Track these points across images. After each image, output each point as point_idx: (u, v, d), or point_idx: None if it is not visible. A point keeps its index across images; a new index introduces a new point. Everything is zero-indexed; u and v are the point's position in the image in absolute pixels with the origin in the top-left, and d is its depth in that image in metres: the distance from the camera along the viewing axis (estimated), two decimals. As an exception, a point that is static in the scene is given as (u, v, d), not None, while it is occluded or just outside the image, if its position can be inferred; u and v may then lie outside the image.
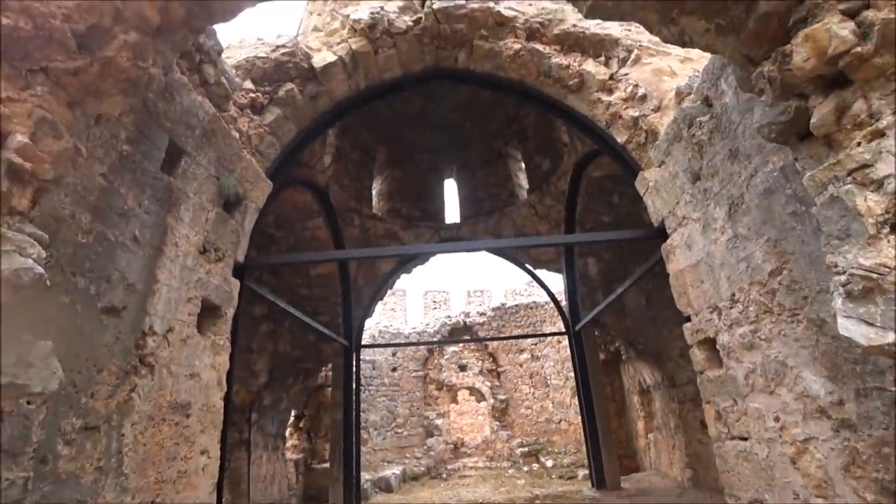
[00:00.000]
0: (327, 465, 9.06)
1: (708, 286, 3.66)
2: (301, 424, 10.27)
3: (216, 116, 3.84)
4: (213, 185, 3.90)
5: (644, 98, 4.38)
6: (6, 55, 1.59)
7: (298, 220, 7.85)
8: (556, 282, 11.50)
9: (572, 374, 9.92)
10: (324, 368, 9.38)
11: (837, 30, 1.55)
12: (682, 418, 8.12)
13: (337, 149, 8.70)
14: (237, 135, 4.31)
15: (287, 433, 9.60)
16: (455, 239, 10.08)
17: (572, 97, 4.99)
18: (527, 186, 10.00)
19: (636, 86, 4.43)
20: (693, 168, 3.66)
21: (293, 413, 9.82)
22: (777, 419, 2.94)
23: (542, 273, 10.30)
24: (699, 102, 3.45)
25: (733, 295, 3.32)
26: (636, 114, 4.41)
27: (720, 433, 3.60)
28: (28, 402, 2.05)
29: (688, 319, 4.02)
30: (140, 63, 1.91)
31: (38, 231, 1.57)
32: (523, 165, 10.22)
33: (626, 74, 4.57)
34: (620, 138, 4.65)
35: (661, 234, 4.38)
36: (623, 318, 8.75)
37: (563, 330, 10.14)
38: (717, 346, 3.58)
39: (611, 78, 4.67)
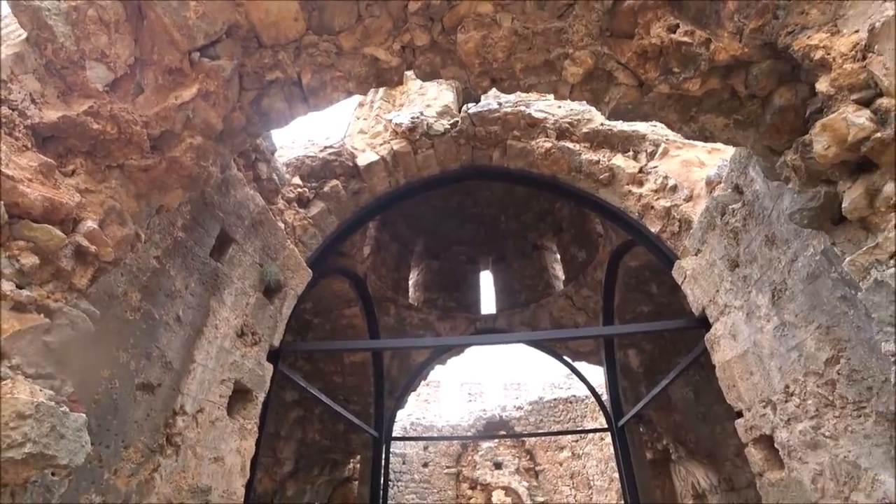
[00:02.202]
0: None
1: (758, 378, 3.41)
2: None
3: (265, 209, 4.15)
4: (256, 271, 4.10)
5: (674, 188, 4.45)
6: (91, 154, 1.83)
7: (336, 307, 8.01)
8: (596, 374, 10.95)
9: (617, 475, 9.05)
10: (352, 460, 8.96)
11: (854, 118, 1.59)
12: None
13: (376, 240, 9.07)
14: (283, 225, 4.61)
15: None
16: (491, 330, 9.95)
17: (604, 190, 5.13)
18: (563, 277, 9.96)
19: (665, 177, 4.53)
20: (730, 255, 3.59)
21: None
22: (857, 533, 2.55)
23: (581, 365, 9.88)
24: (730, 190, 3.47)
25: (787, 387, 3.07)
26: (668, 204, 4.46)
27: (791, 552, 3.13)
28: (52, 474, 2.06)
29: (739, 415, 3.71)
30: (202, 162, 2.15)
31: (91, 308, 1.69)
32: (559, 256, 10.27)
33: (654, 167, 4.70)
34: (654, 228, 4.66)
35: (703, 323, 4.20)
36: (670, 413, 8.11)
37: (605, 426, 9.45)
38: (776, 445, 3.24)
39: (640, 171, 4.81)
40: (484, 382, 21.31)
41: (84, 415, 1.39)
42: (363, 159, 5.29)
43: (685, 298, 4.56)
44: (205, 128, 2.07)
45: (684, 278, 4.35)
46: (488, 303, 10.84)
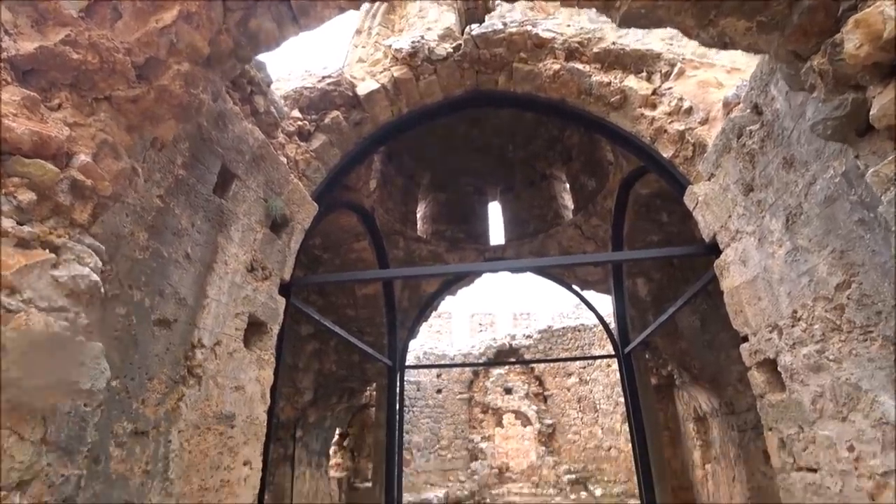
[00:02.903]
0: (370, 484, 9.02)
1: (766, 303, 3.42)
2: (345, 443, 10.33)
3: (265, 143, 4.05)
4: (261, 206, 4.09)
5: (689, 111, 4.24)
6: (76, 87, 1.75)
7: (345, 242, 8.06)
8: (604, 304, 11.16)
9: (622, 400, 9.49)
10: (368, 388, 9.45)
11: (892, 11, 1.45)
12: (742, 448, 7.53)
13: (382, 174, 8.95)
14: (285, 160, 4.52)
15: (331, 451, 9.67)
16: (499, 260, 10.02)
17: (615, 114, 4.91)
18: (572, 207, 9.86)
19: (681, 99, 4.31)
20: (745, 179, 3.48)
21: (337, 431, 9.90)
22: (851, 448, 2.66)
23: (589, 295, 10.03)
24: (748, 111, 3.30)
25: (795, 312, 3.08)
26: (682, 127, 4.28)
27: (785, 463, 3.30)
28: (84, 405, 2.18)
29: (745, 340, 3.77)
30: (192, 90, 2.06)
31: (97, 243, 1.69)
32: (568, 186, 10.10)
33: (669, 89, 4.46)
34: (666, 153, 4.51)
35: (714, 250, 4.16)
36: (676, 340, 8.31)
37: (613, 353, 9.76)
38: (779, 368, 3.31)
39: (654, 93, 4.57)
40: (494, 313, 21.84)
41: (100, 344, 1.44)
42: (363, 88, 5.08)
43: (696, 226, 4.50)
44: (191, 52, 1.96)
45: (696, 204, 4.26)
46: (497, 234, 10.85)
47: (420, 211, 10.61)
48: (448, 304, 12.37)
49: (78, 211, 1.58)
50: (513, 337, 16.75)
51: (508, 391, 16.00)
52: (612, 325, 9.63)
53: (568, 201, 10.11)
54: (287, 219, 4.42)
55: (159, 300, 2.78)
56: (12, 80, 1.55)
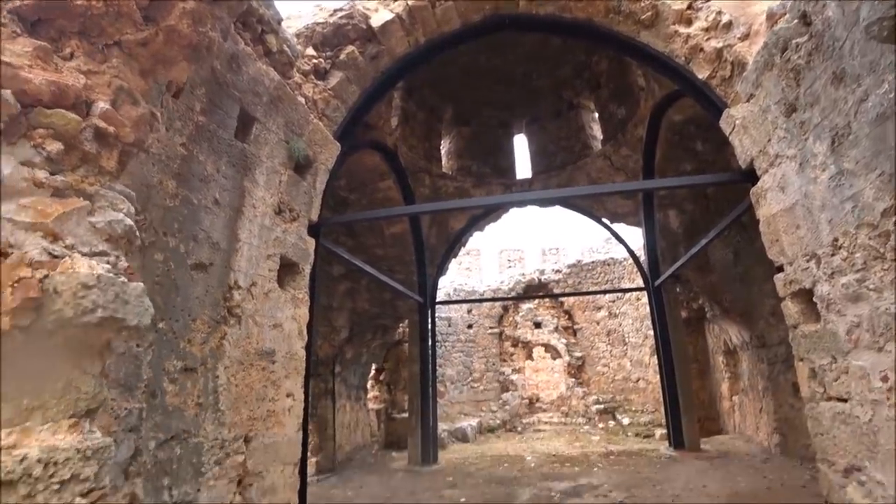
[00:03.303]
0: (406, 414, 9.60)
1: (805, 231, 3.29)
2: (381, 377, 10.92)
3: (281, 83, 3.99)
4: (283, 149, 4.09)
5: (729, 26, 3.90)
6: (85, 34, 1.73)
7: (370, 181, 8.07)
8: (634, 237, 11.00)
9: (652, 332, 9.56)
10: (400, 325, 9.80)
11: None
12: (771, 381, 7.57)
13: (403, 110, 8.74)
14: (303, 100, 4.45)
15: (368, 385, 10.26)
16: (523, 193, 9.86)
17: (646, 33, 4.57)
18: (601, 137, 9.48)
19: (719, 13, 3.95)
20: (787, 99, 3.24)
21: (373, 366, 10.44)
22: (885, 379, 2.63)
23: (619, 228, 9.87)
24: (795, 21, 3.01)
25: (836, 240, 2.96)
26: (719, 44, 3.96)
27: (815, 393, 3.31)
28: (137, 345, 2.36)
29: (779, 270, 3.67)
30: (200, 28, 2.02)
31: (127, 189, 1.75)
32: (596, 115, 9.66)
33: (706, 2, 4.09)
34: (702, 74, 4.21)
35: (750, 177, 3.97)
36: (707, 273, 8.18)
37: (642, 286, 9.73)
38: (815, 298, 3.24)
39: (689, 7, 4.20)
40: (523, 249, 21.83)
41: (142, 284, 1.53)
42: (377, 19, 4.85)
43: (732, 154, 4.27)
44: (197, -10, 1.90)
45: (733, 128, 4.02)
46: (523, 167, 10.63)
47: (444, 146, 10.42)
48: (476, 241, 12.41)
49: (105, 158, 1.62)
50: (542, 272, 16.83)
51: (538, 325, 16.32)
52: (643, 259, 9.53)
53: (596, 131, 9.72)
54: (310, 160, 4.43)
55: (194, 245, 2.89)
56: (21, 32, 1.54)
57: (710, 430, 9.56)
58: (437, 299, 9.94)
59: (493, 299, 13.93)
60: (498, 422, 13.50)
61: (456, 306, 14.94)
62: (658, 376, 9.07)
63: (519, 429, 13.42)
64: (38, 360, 1.34)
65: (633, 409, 13.35)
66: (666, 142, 7.50)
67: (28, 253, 1.34)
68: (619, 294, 14.29)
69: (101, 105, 1.62)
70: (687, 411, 8.18)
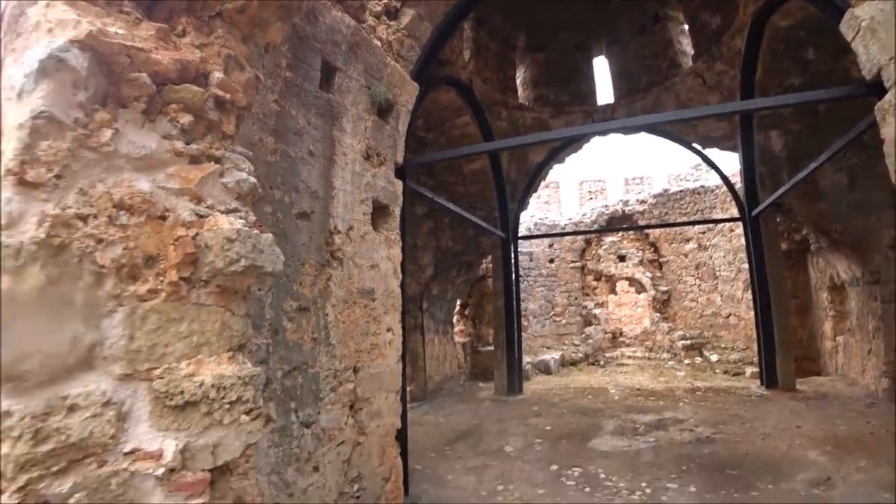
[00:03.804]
0: (491, 347, 10.02)
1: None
2: (466, 312, 11.37)
3: (357, 28, 4.00)
4: (365, 95, 4.17)
5: None
6: (191, 11, 1.86)
7: (446, 119, 8.02)
8: (729, 162, 10.06)
9: (746, 266, 8.95)
10: (483, 261, 10.02)
11: None
12: (884, 321, 6.86)
13: (475, 42, 8.41)
14: (378, 43, 4.45)
15: (454, 320, 10.76)
16: (608, 121, 9.30)
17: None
18: (691, 53, 8.54)
19: None
20: (939, -16, 2.72)
21: (458, 302, 10.87)
22: None
23: (712, 153, 9.08)
24: None
25: None
26: (852, -79, 3.34)
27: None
28: (259, 289, 2.68)
29: (912, 189, 3.25)
30: (289, -13, 2.08)
31: (246, 150, 1.93)
32: (686, 27, 8.65)
33: None
34: (824, -38, 3.61)
35: (876, 90, 3.40)
36: (815, 201, 7.35)
37: (737, 216, 9.03)
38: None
39: None
40: (604, 179, 20.86)
41: (271, 234, 1.73)
42: (447, -53, 4.62)
43: (853, 63, 3.68)
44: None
45: (857, 32, 3.44)
46: (604, 92, 9.95)
47: (519, 76, 9.98)
48: (555, 173, 12.06)
49: (225, 124, 1.79)
50: (625, 203, 16.09)
51: (622, 258, 15.85)
52: (738, 186, 8.77)
53: (686, 46, 8.75)
54: (391, 103, 4.49)
55: (296, 196, 3.13)
56: (142, 17, 1.69)
57: (808, 371, 9.00)
58: (519, 234, 9.95)
59: (576, 233, 13.65)
60: (580, 355, 13.67)
61: (537, 241, 14.86)
62: (752, 312, 8.59)
63: (601, 363, 13.51)
64: (199, 304, 1.60)
65: (723, 345, 12.81)
66: (769, 53, 6.60)
67: (181, 215, 1.56)
68: (711, 225, 13.36)
69: (217, 75, 1.77)
70: (782, 349, 7.74)
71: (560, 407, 8.19)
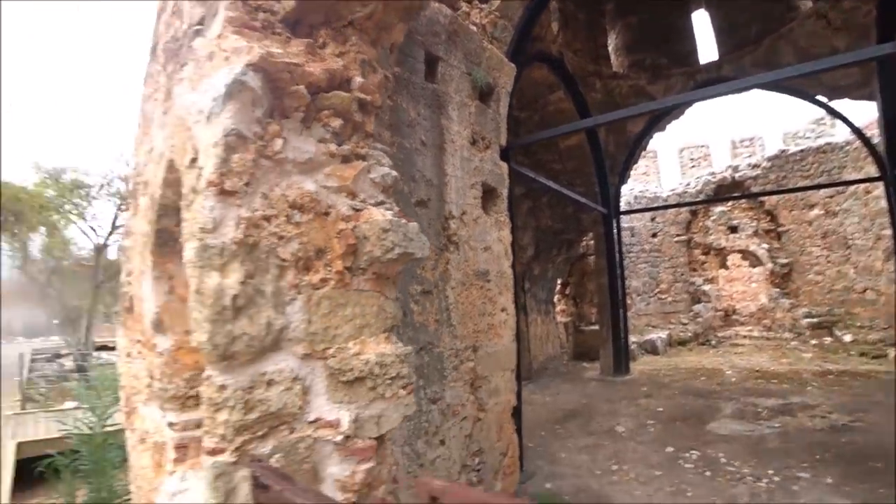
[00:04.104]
0: (594, 327, 9.79)
1: None
2: (567, 291, 11.18)
3: (454, 17, 4.06)
4: (466, 81, 4.24)
5: None
6: (328, 23, 2.02)
7: (540, 96, 7.86)
8: (861, 113, 8.73)
9: (887, 233, 7.74)
10: (584, 238, 9.76)
11: None
12: None
13: (562, 13, 8.08)
14: (474, 28, 4.48)
15: (555, 299, 10.64)
16: (714, 82, 8.50)
17: None
18: (812, -10, 7.49)
19: None
20: None
21: (559, 281, 10.72)
22: None
23: (840, 104, 7.94)
24: None
25: None
26: None
27: None
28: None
29: None
30: (407, -11, 2.17)
31: (384, 146, 2.08)
32: (805, -40, 7.60)
33: None
34: None
35: None
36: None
37: (876, 175, 7.84)
38: None
39: None
40: (707, 144, 19.14)
41: (416, 223, 1.85)
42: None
43: None
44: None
45: None
46: (707, 50, 9.09)
47: (611, 44, 9.45)
48: (653, 141, 11.34)
49: (367, 124, 1.94)
50: (734, 168, 14.66)
51: (733, 229, 14.51)
52: (876, 140, 7.60)
53: (806, -17, 7.70)
54: (491, 86, 4.53)
55: (413, 185, 3.29)
56: (291, 35, 1.86)
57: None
58: (621, 209, 9.52)
59: (681, 205, 12.71)
60: (689, 334, 12.86)
61: (638, 215, 14.04)
62: (894, 286, 7.47)
63: (713, 342, 12.60)
64: (359, 290, 1.77)
65: (858, 324, 11.18)
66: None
67: (340, 210, 1.73)
68: (841, 188, 11.67)
69: (358, 79, 1.91)
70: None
71: (671, 388, 7.84)
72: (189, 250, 1.45)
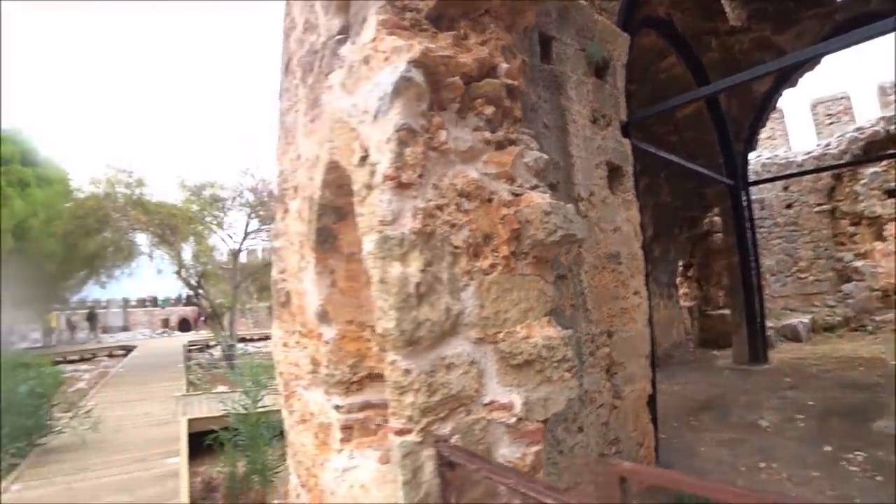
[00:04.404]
0: (722, 311, 8.98)
1: None
2: (689, 273, 10.36)
3: (562, -9, 3.91)
4: (581, 58, 4.07)
5: None
6: (467, 15, 2.03)
7: (650, 64, 7.34)
8: None
9: None
10: (708, 215, 8.98)
11: None
12: None
13: (666, -31, 7.43)
14: (583, 1, 4.29)
15: (677, 282, 9.94)
16: (859, 21, 7.26)
17: None
18: None
19: None
20: None
21: (680, 263, 9.99)
22: None
23: None
24: None
25: None
26: None
27: None
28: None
29: None
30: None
31: (528, 129, 2.06)
32: None
33: None
34: None
35: None
36: None
37: None
38: None
39: None
40: (847, 94, 16.54)
41: (571, 204, 1.82)
42: None
43: None
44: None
45: None
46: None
47: (726, -5, 8.49)
48: (784, 97, 10.04)
49: (515, 109, 1.93)
50: (889, 120, 12.49)
51: (891, 193, 12.39)
52: None
53: None
54: (606, 60, 4.31)
55: (542, 170, 3.24)
56: (436, 31, 1.90)
57: None
58: (749, 179, 8.59)
59: (823, 169, 11.07)
60: (838, 319, 11.25)
61: (768, 185, 12.51)
62: None
63: (869, 328, 10.88)
64: (522, 275, 1.78)
65: None
66: None
67: (502, 196, 1.75)
68: None
69: (503, 65, 1.91)
70: None
71: (821, 379, 6.96)
72: (368, 243, 1.55)
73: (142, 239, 19.99)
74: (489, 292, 1.69)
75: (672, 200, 8.10)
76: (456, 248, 1.63)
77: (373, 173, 1.59)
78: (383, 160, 1.58)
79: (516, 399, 1.72)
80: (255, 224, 19.53)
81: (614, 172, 3.99)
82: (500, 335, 1.71)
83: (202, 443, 7.90)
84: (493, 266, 1.70)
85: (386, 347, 1.57)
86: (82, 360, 21.74)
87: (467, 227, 1.65)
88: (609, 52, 4.36)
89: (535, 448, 1.82)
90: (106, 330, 33.34)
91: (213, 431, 7.50)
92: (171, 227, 18.22)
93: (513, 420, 1.72)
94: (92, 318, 31.96)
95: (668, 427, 5.63)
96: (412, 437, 1.57)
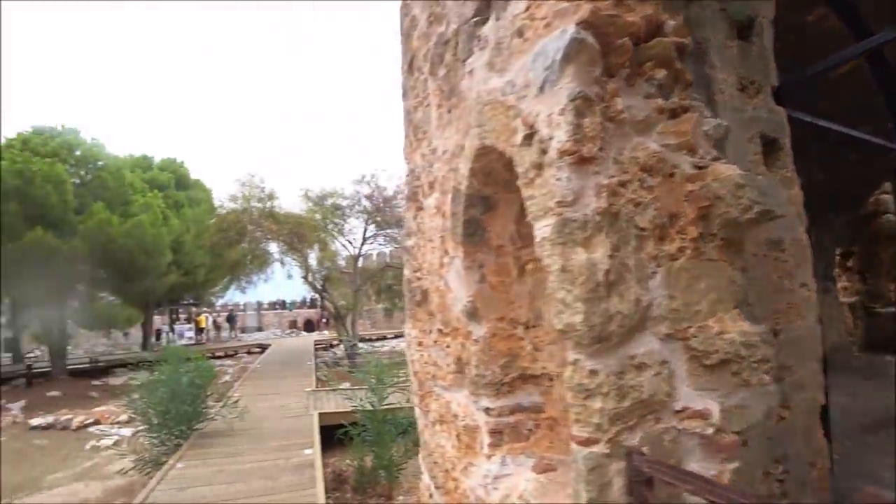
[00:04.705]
0: (893, 308, 7.56)
1: None
2: (849, 263, 8.86)
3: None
4: (721, 19, 3.58)
5: None
6: None
7: (794, 19, 6.37)
8: None
9: None
10: (874, 193, 7.63)
11: None
12: None
13: None
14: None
15: (835, 274, 8.56)
16: None
17: None
18: None
19: None
20: None
21: (837, 251, 8.60)
22: None
23: None
24: None
25: None
26: None
27: None
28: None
29: None
30: None
31: (700, 95, 1.78)
32: None
33: None
34: None
35: None
36: None
37: None
38: None
39: None
40: None
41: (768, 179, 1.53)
42: None
43: None
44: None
45: None
46: None
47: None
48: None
49: (685, 72, 1.69)
50: None
51: None
52: None
53: None
54: (750, 18, 3.77)
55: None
56: None
57: None
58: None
59: None
60: None
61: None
62: None
63: None
64: (709, 260, 1.53)
65: None
66: None
67: (684, 169, 1.52)
68: None
69: (670, 22, 1.67)
70: None
71: None
72: (544, 228, 1.41)
73: (273, 247, 22.14)
74: (678, 280, 1.47)
75: (826, 178, 6.96)
76: (641, 229, 1.43)
77: (544, 150, 1.45)
78: (558, 134, 1.42)
79: (713, 406, 1.47)
80: (372, 230, 20.65)
81: (770, 146, 3.45)
82: (691, 330, 1.48)
83: (332, 436, 8.40)
84: (680, 250, 1.47)
85: (568, 346, 1.41)
86: (226, 356, 24.67)
87: (652, 206, 1.44)
88: (753, 8, 3.82)
89: (731, 465, 1.55)
90: (244, 330, 37.90)
91: (340, 426, 7.92)
92: (298, 235, 19.88)
93: (709, 430, 1.47)
94: (231, 319, 36.42)
95: (841, 445, 4.83)
96: (600, 448, 1.40)
